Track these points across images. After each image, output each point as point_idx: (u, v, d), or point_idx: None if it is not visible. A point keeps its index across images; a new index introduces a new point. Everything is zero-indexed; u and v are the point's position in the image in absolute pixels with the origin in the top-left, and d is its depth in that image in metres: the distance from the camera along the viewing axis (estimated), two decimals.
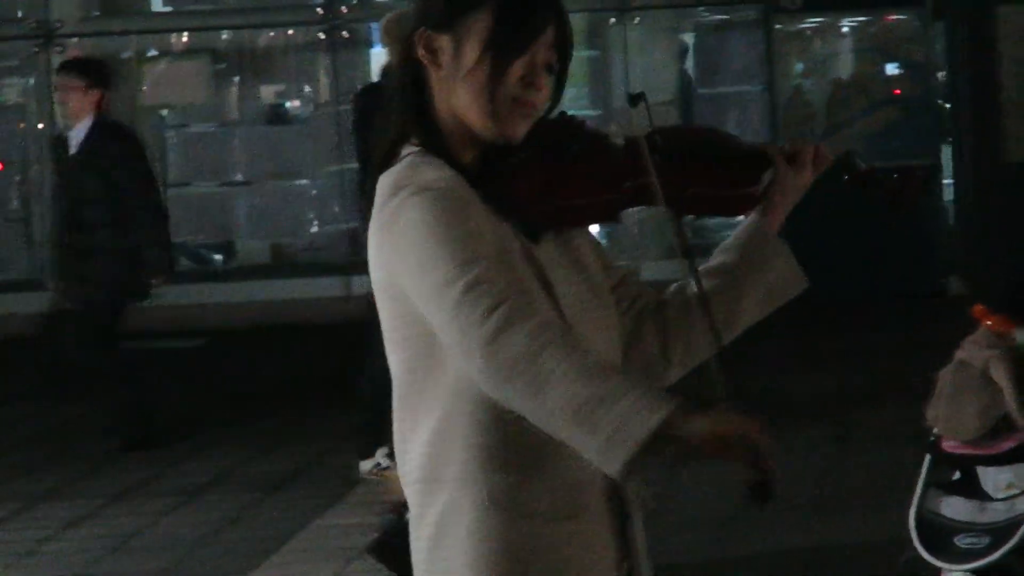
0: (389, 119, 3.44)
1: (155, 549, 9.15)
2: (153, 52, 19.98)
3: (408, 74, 3.38)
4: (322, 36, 18.79)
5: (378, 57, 19.51)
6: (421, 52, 3.32)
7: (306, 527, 9.36)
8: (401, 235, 3.25)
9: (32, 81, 19.55)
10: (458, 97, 3.34)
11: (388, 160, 3.34)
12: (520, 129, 3.30)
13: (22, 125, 20.24)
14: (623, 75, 18.47)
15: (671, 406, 3.05)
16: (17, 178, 20.03)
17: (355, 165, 18.56)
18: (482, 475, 3.35)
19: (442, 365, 3.32)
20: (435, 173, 3.28)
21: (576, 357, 3.14)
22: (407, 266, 3.24)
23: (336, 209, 19.13)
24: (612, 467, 3.10)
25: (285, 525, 9.42)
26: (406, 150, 3.32)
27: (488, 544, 3.37)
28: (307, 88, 20.84)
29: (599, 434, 3.08)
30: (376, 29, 18.52)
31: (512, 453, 3.33)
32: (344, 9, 18.33)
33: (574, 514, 3.39)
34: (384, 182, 3.30)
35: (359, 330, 16.03)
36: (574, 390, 3.11)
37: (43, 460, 11.46)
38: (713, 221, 13.69)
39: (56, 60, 18.18)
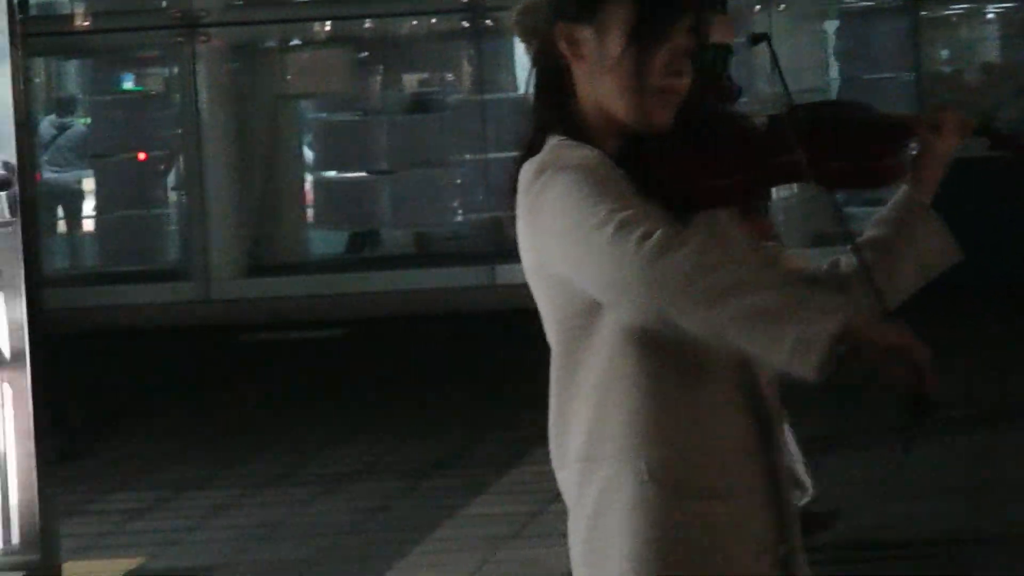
0: (532, 111, 3.39)
1: (301, 537, 9.25)
2: (296, 41, 20.17)
3: (549, 67, 3.33)
4: (465, 25, 18.96)
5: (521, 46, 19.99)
6: (563, 45, 3.26)
7: (452, 516, 9.44)
8: (548, 210, 3.20)
9: (176, 70, 19.70)
10: (604, 88, 3.28)
11: (531, 151, 3.29)
12: (667, 117, 3.23)
13: (165, 115, 20.44)
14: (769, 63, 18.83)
15: (850, 309, 3.09)
16: (161, 167, 20.30)
17: (499, 154, 18.88)
18: (641, 449, 3.26)
19: (598, 345, 3.24)
20: (580, 152, 3.23)
21: (747, 266, 3.19)
22: (556, 234, 3.19)
23: (480, 198, 19.32)
24: (807, 365, 3.02)
25: (431, 514, 9.50)
26: (550, 140, 3.29)
27: (647, 519, 3.26)
28: (450, 76, 21.02)
29: (789, 334, 3.04)
30: None
31: (671, 428, 3.24)
32: None
33: (732, 492, 3.28)
34: (528, 168, 3.25)
35: (504, 319, 16.19)
36: (756, 293, 3.09)
37: (192, 448, 11.60)
38: None
39: (200, 50, 18.55)
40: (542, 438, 9.62)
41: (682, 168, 3.25)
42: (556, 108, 3.28)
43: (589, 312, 3.21)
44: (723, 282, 3.06)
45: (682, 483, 3.23)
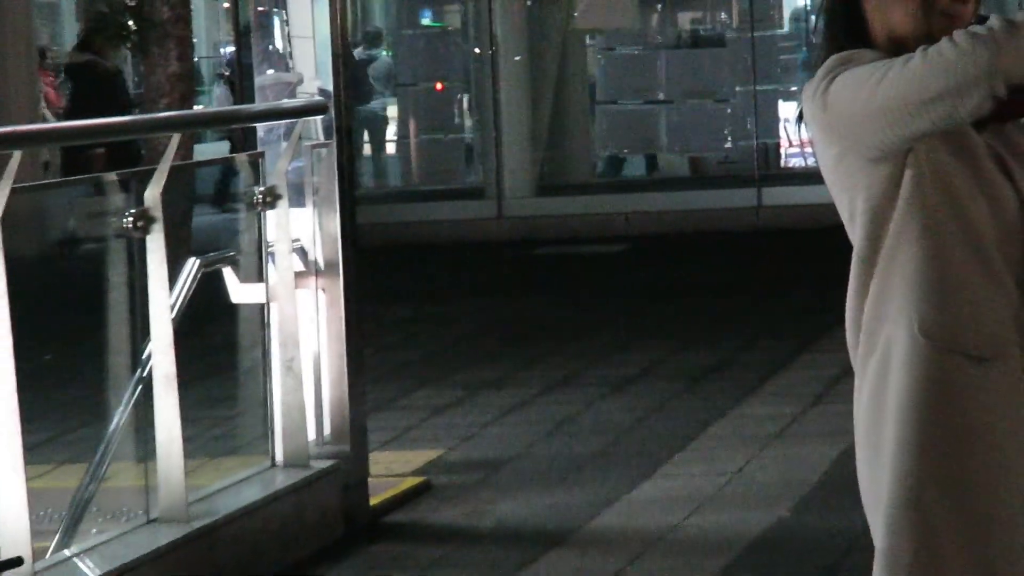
0: (822, 46, 3.44)
1: (586, 434, 9.32)
2: None
3: (841, 6, 3.40)
4: None
5: None
6: None
7: (724, 416, 9.46)
8: (836, 96, 3.29)
9: (473, 7, 19.96)
10: (896, 16, 3.31)
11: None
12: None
13: (463, 48, 20.70)
14: None
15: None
16: (458, 97, 20.50)
17: (766, 87, 18.93)
18: (916, 308, 3.31)
19: (893, 219, 3.31)
20: (863, 54, 3.31)
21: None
22: (845, 114, 3.29)
23: (748, 126, 19.26)
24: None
25: (705, 414, 9.54)
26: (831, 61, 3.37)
27: (920, 374, 3.31)
28: (723, 15, 21.36)
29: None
30: None
31: (946, 291, 3.28)
32: None
33: (999, 356, 3.29)
34: (818, 74, 3.30)
35: (768, 237, 16.17)
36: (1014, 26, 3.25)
37: (486, 353, 11.80)
38: None
39: None
40: (804, 347, 11.36)
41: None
42: (850, 38, 3.32)
43: (886, 191, 3.27)
44: (989, 40, 3.18)
45: (954, 342, 3.25)
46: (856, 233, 3.38)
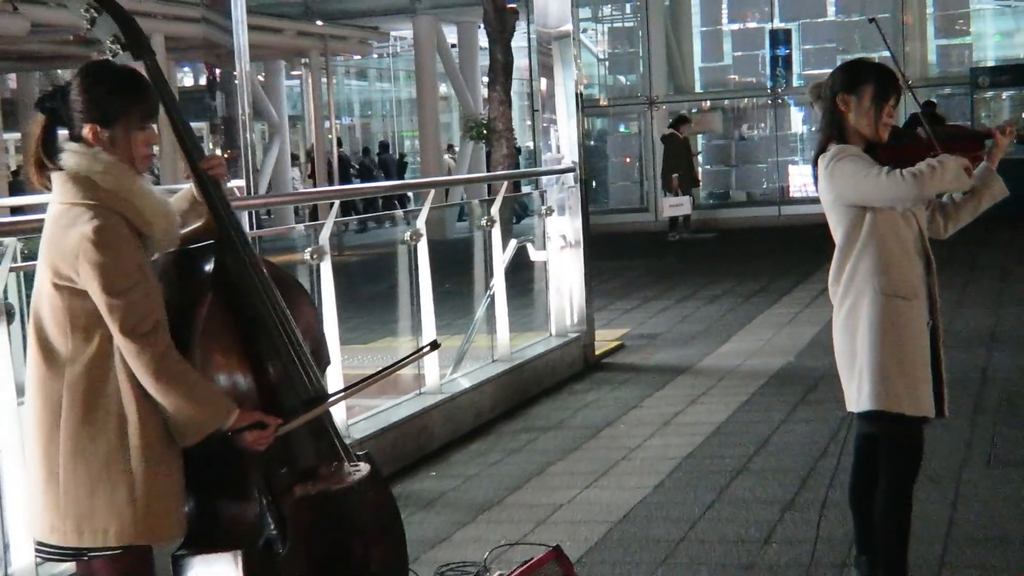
0: (820, 133, 3.68)
1: (696, 322, 10.46)
2: None
3: (835, 115, 3.58)
4: None
5: None
6: (840, 105, 3.54)
7: (762, 313, 10.65)
8: (839, 173, 3.51)
9: None
10: (860, 123, 3.52)
11: (822, 151, 3.62)
12: (886, 135, 3.57)
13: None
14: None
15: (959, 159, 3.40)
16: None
17: (783, 158, 19.37)
18: (877, 277, 3.49)
19: (859, 231, 3.54)
20: (852, 148, 3.52)
21: (927, 166, 3.39)
22: (847, 179, 3.47)
23: (775, 178, 21.20)
24: (963, 184, 3.44)
25: (753, 313, 10.68)
26: (831, 147, 3.58)
27: (878, 311, 3.51)
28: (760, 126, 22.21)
29: (958, 171, 3.40)
30: None
31: (892, 264, 3.50)
32: None
33: (916, 297, 3.52)
34: (822, 160, 3.58)
35: (784, 233, 16.98)
36: (942, 165, 3.43)
37: (647, 285, 12.97)
38: None
39: None
40: (799, 283, 11.75)
41: (891, 155, 3.56)
42: (837, 132, 3.54)
43: (856, 219, 3.48)
44: (930, 173, 3.38)
45: (896, 292, 3.46)
46: (838, 236, 3.57)
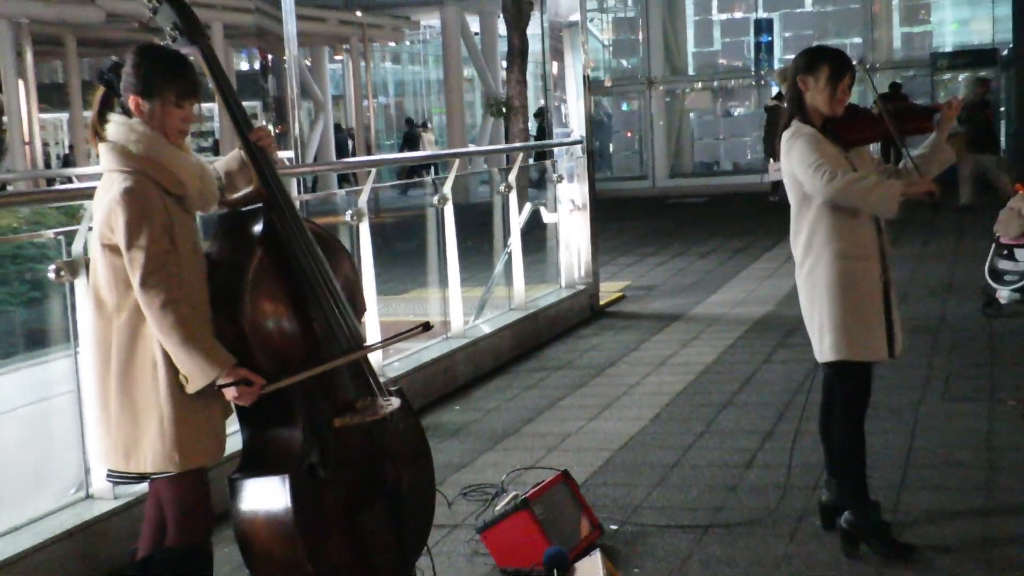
0: (785, 113, 3.56)
1: (689, 275, 10.40)
2: None
3: (795, 94, 3.48)
4: None
5: None
6: (800, 84, 3.45)
7: (747, 268, 10.57)
8: (795, 151, 3.40)
9: None
10: (817, 101, 3.41)
11: (786, 127, 3.52)
12: (840, 111, 3.45)
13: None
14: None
15: (903, 186, 3.33)
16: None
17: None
18: (832, 241, 3.43)
19: (811, 203, 3.44)
20: (808, 129, 3.41)
21: (863, 179, 3.27)
22: (797, 161, 3.40)
23: (758, 149, 20.23)
24: (891, 209, 3.29)
25: (739, 267, 10.63)
26: (794, 123, 3.46)
27: (835, 270, 3.44)
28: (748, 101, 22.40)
29: (884, 201, 3.27)
30: None
31: (846, 231, 3.41)
32: None
33: (870, 257, 3.43)
34: (784, 135, 3.49)
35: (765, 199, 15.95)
36: (868, 190, 3.29)
37: (646, 242, 12.68)
38: None
39: None
40: (777, 243, 11.31)
41: (846, 129, 3.45)
42: (798, 110, 3.45)
43: (806, 194, 3.40)
44: (852, 188, 3.24)
45: (850, 254, 3.38)
46: (793, 202, 3.50)
